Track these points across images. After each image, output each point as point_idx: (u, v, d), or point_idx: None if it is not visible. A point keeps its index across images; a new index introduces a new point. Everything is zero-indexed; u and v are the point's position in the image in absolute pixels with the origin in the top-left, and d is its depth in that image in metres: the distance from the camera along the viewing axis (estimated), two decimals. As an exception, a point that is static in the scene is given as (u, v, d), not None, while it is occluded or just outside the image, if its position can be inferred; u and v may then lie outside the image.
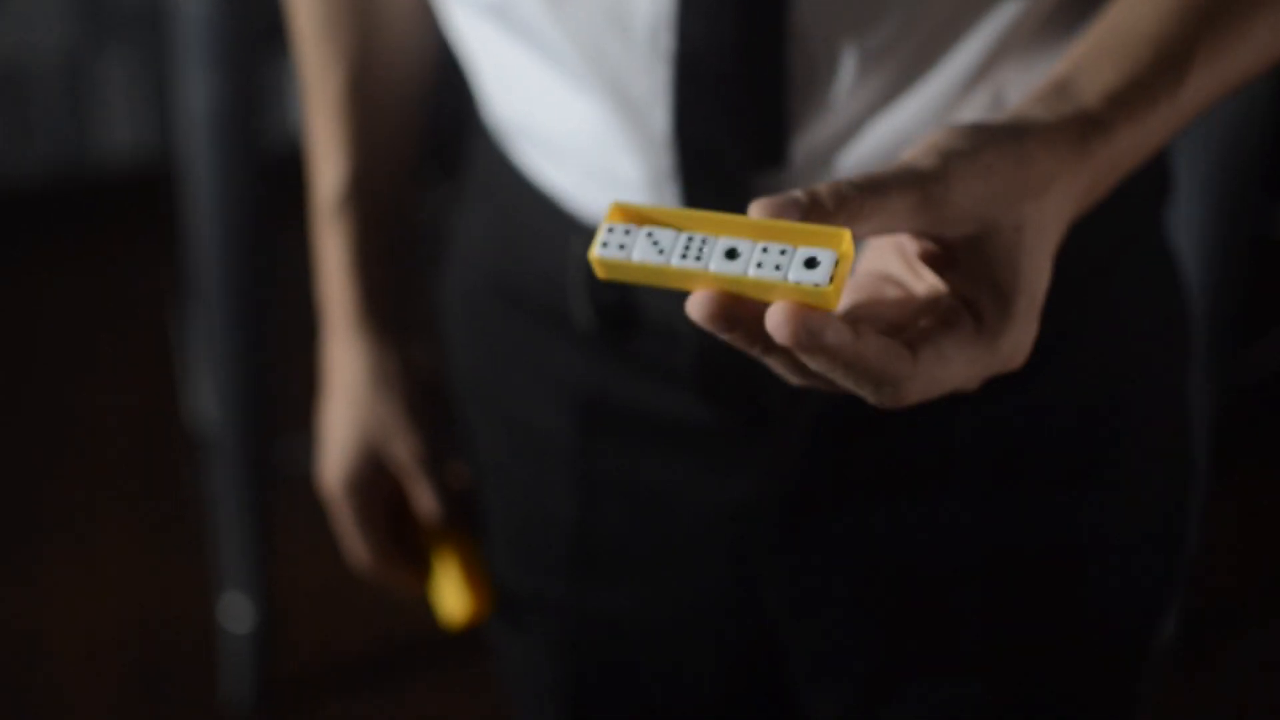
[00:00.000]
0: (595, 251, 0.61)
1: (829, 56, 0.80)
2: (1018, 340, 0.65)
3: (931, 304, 0.66)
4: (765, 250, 0.59)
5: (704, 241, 0.60)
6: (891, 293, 0.67)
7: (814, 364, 0.61)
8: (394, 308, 1.05)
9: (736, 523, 0.92)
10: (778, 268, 0.59)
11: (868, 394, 0.63)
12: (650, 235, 0.61)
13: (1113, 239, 0.88)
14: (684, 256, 0.60)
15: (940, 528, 0.91)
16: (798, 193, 0.60)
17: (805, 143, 0.82)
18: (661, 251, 0.60)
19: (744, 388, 0.88)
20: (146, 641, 2.15)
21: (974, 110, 0.82)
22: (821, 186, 0.61)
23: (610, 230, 0.61)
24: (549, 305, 0.92)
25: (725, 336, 0.61)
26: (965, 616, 0.93)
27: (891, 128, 0.82)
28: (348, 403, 1.05)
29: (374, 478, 1.06)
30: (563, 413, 0.94)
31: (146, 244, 2.62)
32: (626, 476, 0.94)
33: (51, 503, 2.34)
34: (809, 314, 0.59)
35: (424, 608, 2.19)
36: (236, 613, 2.03)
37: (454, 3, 0.89)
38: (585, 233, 0.89)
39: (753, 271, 0.59)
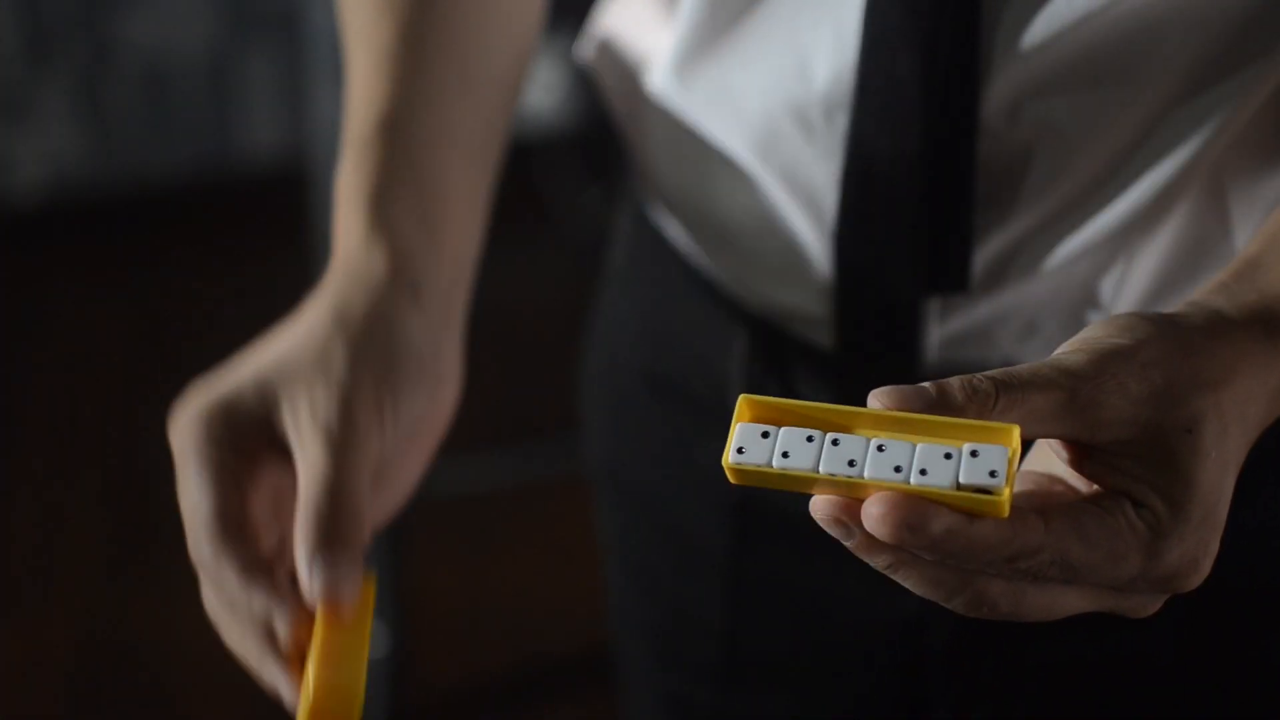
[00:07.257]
0: (730, 458, 0.54)
1: (1028, 154, 0.70)
2: (1188, 551, 0.55)
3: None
4: (924, 453, 0.53)
5: (851, 443, 0.54)
6: (1058, 493, 0.57)
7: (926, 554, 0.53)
8: (405, 247, 0.71)
9: (904, 639, 0.83)
10: (943, 474, 0.52)
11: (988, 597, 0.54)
12: (790, 437, 0.54)
13: None
14: (832, 462, 0.54)
15: (1138, 657, 0.81)
16: (926, 385, 0.53)
17: (983, 257, 0.73)
18: (806, 457, 0.54)
19: None
20: (278, 664, 2.09)
21: (1189, 202, 0.71)
22: (952, 380, 0.54)
23: (744, 432, 0.54)
24: (704, 399, 0.84)
25: (848, 544, 0.54)
26: None
27: (1092, 231, 0.72)
28: (293, 322, 0.73)
29: (252, 437, 0.70)
30: (713, 513, 0.86)
31: (288, 244, 2.57)
32: (781, 583, 0.85)
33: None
34: (912, 503, 0.52)
35: (562, 635, 2.18)
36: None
37: (630, 70, 0.81)
38: (752, 324, 0.80)
39: (916, 480, 0.53)
